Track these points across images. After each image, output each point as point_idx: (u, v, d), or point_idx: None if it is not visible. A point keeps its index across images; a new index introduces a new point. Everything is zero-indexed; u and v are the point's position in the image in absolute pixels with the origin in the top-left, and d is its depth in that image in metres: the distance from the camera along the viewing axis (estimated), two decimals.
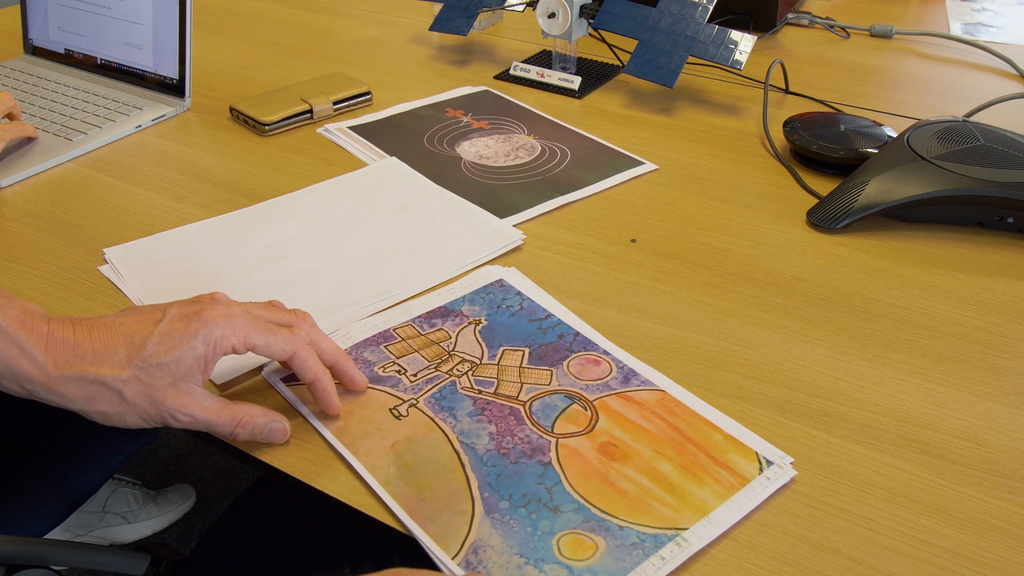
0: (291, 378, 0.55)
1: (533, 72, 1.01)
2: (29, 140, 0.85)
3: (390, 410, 0.53)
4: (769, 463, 0.49)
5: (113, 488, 1.32)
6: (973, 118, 0.79)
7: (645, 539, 0.44)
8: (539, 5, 0.96)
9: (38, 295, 0.64)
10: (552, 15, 0.96)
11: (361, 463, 0.49)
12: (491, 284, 0.64)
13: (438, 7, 1.09)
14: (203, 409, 0.48)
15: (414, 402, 0.53)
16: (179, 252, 0.68)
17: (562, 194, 0.77)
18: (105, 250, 0.68)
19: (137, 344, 0.47)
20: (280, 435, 0.50)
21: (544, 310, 0.61)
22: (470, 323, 0.60)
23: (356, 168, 0.81)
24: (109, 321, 0.49)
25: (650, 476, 0.48)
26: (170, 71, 0.93)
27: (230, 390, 0.55)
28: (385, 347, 0.58)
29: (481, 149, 0.85)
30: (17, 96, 0.95)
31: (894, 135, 0.79)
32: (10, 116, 0.86)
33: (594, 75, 1.02)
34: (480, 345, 0.58)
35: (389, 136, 0.87)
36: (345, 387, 0.54)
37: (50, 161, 0.83)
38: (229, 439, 0.50)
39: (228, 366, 0.56)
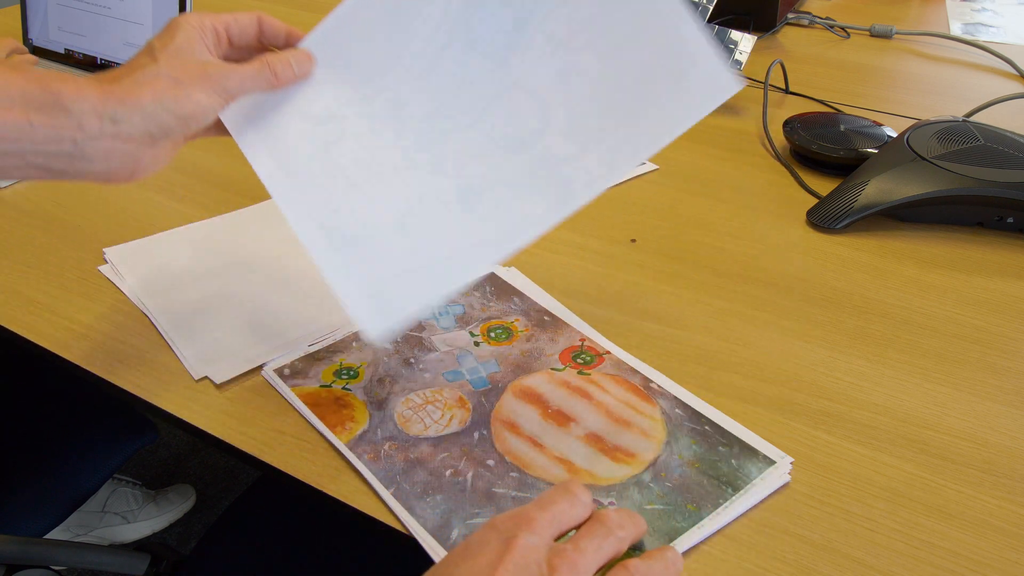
0: (291, 378, 0.55)
1: None
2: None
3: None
4: (770, 462, 0.49)
5: (113, 488, 1.32)
6: (973, 118, 0.79)
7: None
8: None
9: (38, 295, 0.64)
10: None
11: (368, 468, 0.49)
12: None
13: None
14: (238, 66, 0.49)
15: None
16: (179, 252, 0.68)
17: None
18: (105, 250, 0.68)
19: (147, 52, 0.47)
20: (307, 57, 0.51)
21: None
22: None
23: None
24: (115, 69, 0.48)
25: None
26: None
27: (230, 390, 0.55)
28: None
29: None
30: None
31: (894, 135, 0.79)
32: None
33: None
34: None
35: None
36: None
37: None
38: (275, 81, 0.50)
39: (228, 365, 0.56)
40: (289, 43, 0.53)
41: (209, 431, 0.52)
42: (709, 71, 0.48)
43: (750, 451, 0.49)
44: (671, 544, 0.44)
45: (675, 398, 0.53)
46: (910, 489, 0.48)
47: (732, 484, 0.47)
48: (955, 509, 0.47)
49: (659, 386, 0.54)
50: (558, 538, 0.40)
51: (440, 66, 0.50)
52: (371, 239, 0.49)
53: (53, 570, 0.69)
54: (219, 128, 0.52)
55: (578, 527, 0.40)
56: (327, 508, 0.47)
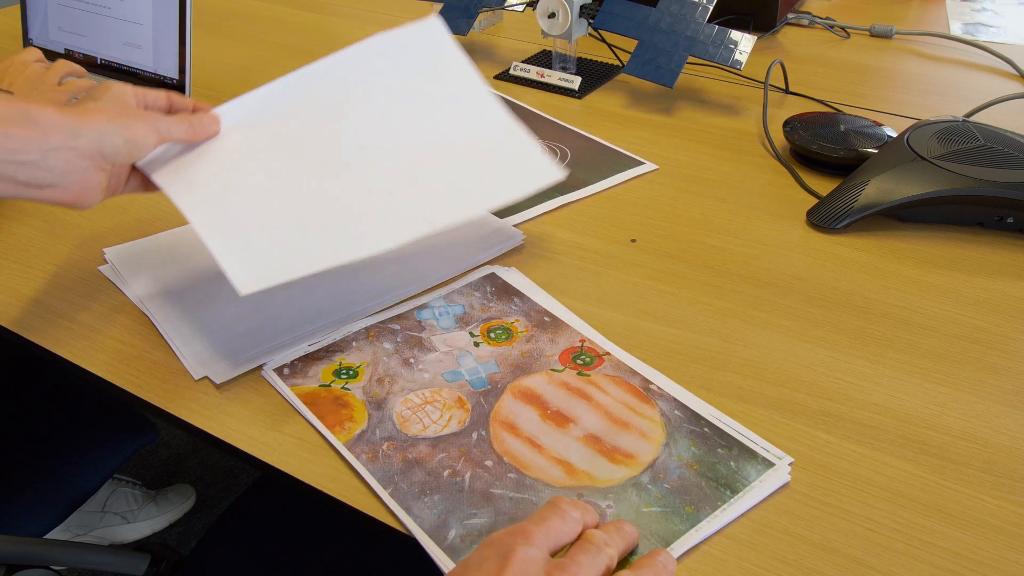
0: (291, 377, 0.55)
1: (533, 72, 1.01)
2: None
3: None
4: (769, 463, 0.49)
5: (113, 488, 1.32)
6: (973, 118, 0.79)
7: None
8: (539, 5, 0.96)
9: (38, 295, 0.64)
10: (552, 15, 0.96)
11: (367, 468, 0.49)
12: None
13: (438, 7, 1.09)
14: (167, 115, 0.59)
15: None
16: (179, 252, 0.68)
17: (562, 194, 0.77)
18: (105, 250, 0.68)
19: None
20: (215, 123, 0.61)
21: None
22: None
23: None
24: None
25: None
26: (170, 71, 0.93)
27: (230, 390, 0.55)
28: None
29: None
30: None
31: (894, 135, 0.79)
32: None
33: (594, 75, 1.02)
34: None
35: None
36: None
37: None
38: (192, 135, 0.60)
39: (228, 365, 0.56)
40: (193, 112, 0.63)
41: (209, 431, 0.52)
42: (537, 161, 0.65)
43: (749, 453, 0.49)
44: (668, 547, 0.44)
45: (675, 400, 0.53)
46: (910, 489, 0.48)
47: (731, 487, 0.47)
48: (955, 509, 0.47)
49: (659, 388, 0.54)
50: (553, 555, 0.40)
51: (311, 140, 0.63)
52: (252, 226, 0.57)
53: (53, 570, 0.69)
54: (143, 186, 0.60)
55: (569, 544, 0.42)
56: (327, 508, 0.47)
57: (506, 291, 0.63)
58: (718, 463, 0.49)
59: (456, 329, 0.60)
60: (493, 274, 0.65)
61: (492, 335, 0.59)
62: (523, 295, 0.63)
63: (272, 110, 0.65)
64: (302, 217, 0.58)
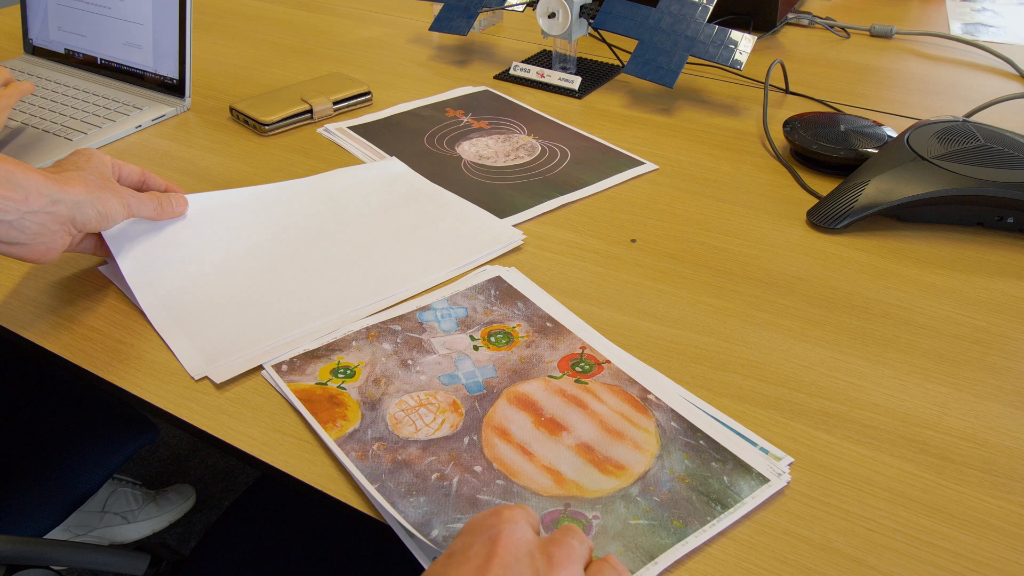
0: (288, 374, 0.55)
1: (533, 72, 1.01)
2: (20, 128, 0.86)
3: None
4: (763, 480, 0.48)
5: (113, 488, 1.32)
6: (973, 118, 0.79)
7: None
8: (539, 5, 0.96)
9: (38, 295, 0.64)
10: (552, 15, 0.96)
11: (355, 465, 0.49)
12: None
13: (438, 7, 1.09)
14: (138, 193, 0.64)
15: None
16: (178, 252, 0.68)
17: (562, 194, 0.77)
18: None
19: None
20: (183, 204, 0.68)
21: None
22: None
23: (356, 166, 0.81)
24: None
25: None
26: (170, 71, 0.93)
27: (230, 390, 0.55)
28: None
29: (481, 149, 0.85)
30: None
31: (894, 135, 0.79)
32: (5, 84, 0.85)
33: (594, 75, 1.02)
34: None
35: (389, 136, 0.87)
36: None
37: (50, 161, 0.83)
38: (159, 213, 0.65)
39: (228, 365, 0.56)
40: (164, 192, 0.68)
41: (209, 431, 0.52)
42: (497, 230, 0.71)
43: (744, 468, 0.48)
44: (652, 560, 0.43)
45: (672, 411, 0.52)
46: (910, 489, 0.48)
47: (722, 502, 0.46)
48: (955, 509, 0.47)
49: (656, 398, 0.53)
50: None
51: (272, 233, 0.70)
52: (204, 311, 0.61)
53: (53, 570, 0.69)
54: (97, 248, 0.64)
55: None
56: (327, 508, 0.47)
57: (510, 295, 0.63)
58: (711, 477, 0.48)
59: (457, 332, 0.59)
60: (499, 277, 0.65)
61: (492, 339, 0.59)
62: (527, 299, 0.63)
63: (239, 207, 0.71)
64: (255, 297, 0.62)
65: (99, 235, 0.63)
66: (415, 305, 0.62)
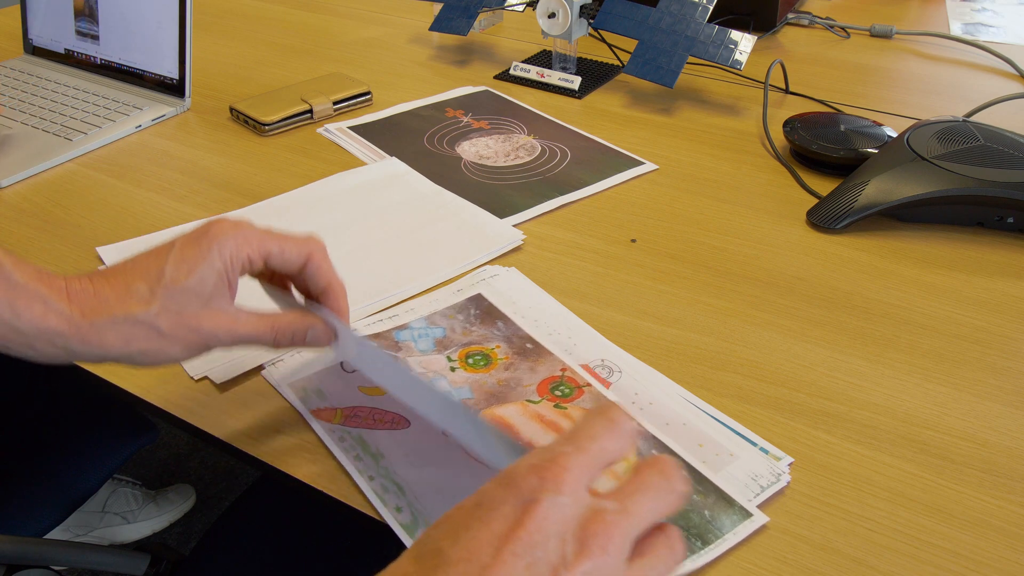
0: (291, 376, 0.55)
1: (533, 72, 1.01)
2: (20, 128, 0.85)
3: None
4: (746, 515, 0.47)
5: (113, 488, 1.32)
6: (973, 118, 0.79)
7: None
8: (539, 5, 0.96)
9: None
10: (552, 15, 0.96)
11: (353, 466, 0.49)
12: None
13: (438, 7, 1.09)
14: (240, 324, 0.46)
15: None
16: None
17: (562, 194, 0.77)
18: (98, 248, 0.68)
19: (155, 275, 0.44)
20: (323, 337, 0.48)
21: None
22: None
23: (356, 168, 0.81)
24: (121, 267, 0.46)
25: None
26: (170, 71, 0.93)
27: (230, 390, 0.55)
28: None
29: (481, 149, 0.85)
30: (17, 96, 0.95)
31: (894, 135, 0.79)
32: None
33: (594, 75, 1.02)
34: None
35: (389, 136, 0.87)
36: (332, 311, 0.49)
37: (50, 161, 0.83)
38: (273, 347, 0.47)
39: (228, 365, 0.56)
40: (326, 295, 0.49)
41: (209, 431, 0.52)
42: (497, 230, 0.70)
43: (726, 503, 0.46)
44: None
45: (653, 438, 0.51)
46: (910, 489, 0.48)
47: (702, 537, 0.44)
48: (955, 509, 0.47)
49: (637, 424, 0.50)
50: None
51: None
52: None
53: (53, 570, 0.69)
54: None
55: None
56: (327, 508, 0.47)
57: (491, 314, 0.61)
58: (691, 511, 0.46)
59: (434, 352, 0.57)
60: (480, 295, 0.63)
61: (470, 361, 0.57)
62: (508, 319, 0.60)
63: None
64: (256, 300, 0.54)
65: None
66: (392, 324, 0.60)
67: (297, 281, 0.50)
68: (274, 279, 0.51)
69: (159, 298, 0.44)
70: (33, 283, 0.44)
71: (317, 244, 0.48)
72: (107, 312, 0.44)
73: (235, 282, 0.46)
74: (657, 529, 0.32)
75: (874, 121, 0.83)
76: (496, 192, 0.77)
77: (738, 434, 0.51)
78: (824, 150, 0.79)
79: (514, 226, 0.72)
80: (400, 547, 0.45)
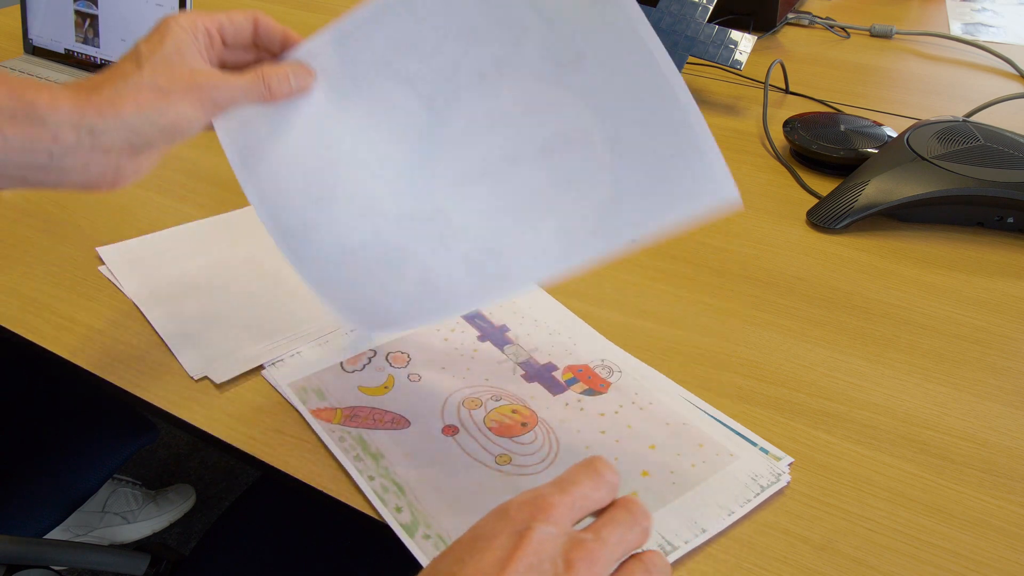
0: (291, 375, 0.55)
1: None
2: None
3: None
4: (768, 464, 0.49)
5: (113, 488, 1.32)
6: (973, 118, 0.79)
7: None
8: None
9: (38, 295, 0.64)
10: None
11: (353, 466, 0.49)
12: None
13: None
14: (232, 76, 0.47)
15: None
16: (179, 251, 0.68)
17: None
18: (98, 249, 0.68)
19: (132, 57, 0.45)
20: (305, 71, 0.49)
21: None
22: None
23: None
24: (99, 73, 0.46)
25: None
26: None
27: (230, 390, 0.55)
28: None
29: None
30: None
31: (894, 135, 0.79)
32: None
33: None
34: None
35: None
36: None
37: None
38: (269, 96, 0.48)
39: (228, 365, 0.56)
40: (285, 46, 0.51)
41: (209, 431, 0.52)
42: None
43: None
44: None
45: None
46: (910, 489, 0.48)
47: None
48: (955, 509, 0.47)
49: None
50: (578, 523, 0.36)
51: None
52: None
53: (53, 570, 0.69)
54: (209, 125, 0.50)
55: (599, 512, 0.37)
56: (327, 508, 0.47)
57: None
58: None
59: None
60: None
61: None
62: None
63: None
64: (256, 299, 0.53)
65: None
66: None
67: (257, 47, 0.51)
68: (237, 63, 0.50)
69: (146, 66, 0.45)
70: (29, 81, 0.43)
71: (258, 10, 0.50)
72: (108, 85, 0.44)
73: (207, 56, 0.47)
74: (634, 557, 0.36)
75: (874, 121, 0.83)
76: None
77: (738, 434, 0.51)
78: (824, 150, 0.79)
79: None
80: (400, 547, 0.45)
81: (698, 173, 0.42)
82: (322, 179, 0.49)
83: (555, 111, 0.44)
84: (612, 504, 0.36)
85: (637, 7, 0.42)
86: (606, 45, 0.42)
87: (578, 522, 0.36)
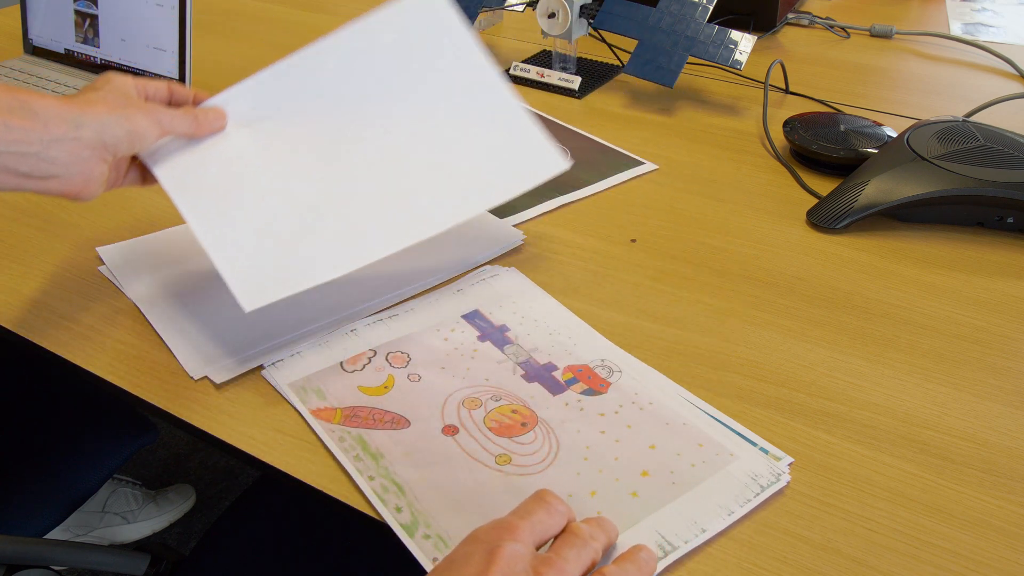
0: (291, 376, 0.55)
1: (533, 72, 1.01)
2: None
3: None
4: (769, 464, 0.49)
5: (113, 488, 1.32)
6: (973, 118, 0.79)
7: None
8: (539, 5, 0.96)
9: (38, 295, 0.64)
10: (552, 15, 0.96)
11: (353, 466, 0.49)
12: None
13: None
14: (169, 107, 0.58)
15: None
16: (178, 251, 0.68)
17: (562, 194, 0.77)
18: (98, 249, 0.68)
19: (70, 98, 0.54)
20: (215, 114, 0.60)
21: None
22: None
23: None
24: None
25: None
26: (170, 71, 0.93)
27: (230, 390, 0.55)
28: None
29: None
30: None
31: (894, 135, 0.79)
32: None
33: (594, 75, 1.02)
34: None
35: None
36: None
37: None
38: (195, 128, 0.59)
39: (228, 365, 0.56)
40: (196, 103, 0.62)
41: (209, 431, 0.52)
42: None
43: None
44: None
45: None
46: (910, 489, 0.48)
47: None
48: (955, 509, 0.47)
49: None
50: (538, 548, 0.41)
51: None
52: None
53: (53, 570, 0.69)
54: (142, 179, 0.61)
55: (554, 538, 0.42)
56: (327, 508, 0.47)
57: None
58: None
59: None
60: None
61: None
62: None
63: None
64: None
65: (143, 165, 0.59)
66: (393, 323, 0.60)
67: (171, 104, 0.61)
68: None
69: (105, 92, 0.55)
70: (23, 88, 0.54)
71: (173, 80, 0.63)
72: (83, 95, 0.54)
73: (136, 98, 0.57)
74: (597, 573, 0.41)
75: (874, 121, 0.83)
76: None
77: (738, 434, 0.51)
78: (824, 150, 0.79)
79: (514, 226, 0.72)
80: (400, 547, 0.45)
81: (532, 153, 0.62)
82: (233, 185, 0.60)
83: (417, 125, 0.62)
84: (564, 530, 0.42)
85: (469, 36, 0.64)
86: (450, 70, 0.64)
87: (539, 548, 0.40)
